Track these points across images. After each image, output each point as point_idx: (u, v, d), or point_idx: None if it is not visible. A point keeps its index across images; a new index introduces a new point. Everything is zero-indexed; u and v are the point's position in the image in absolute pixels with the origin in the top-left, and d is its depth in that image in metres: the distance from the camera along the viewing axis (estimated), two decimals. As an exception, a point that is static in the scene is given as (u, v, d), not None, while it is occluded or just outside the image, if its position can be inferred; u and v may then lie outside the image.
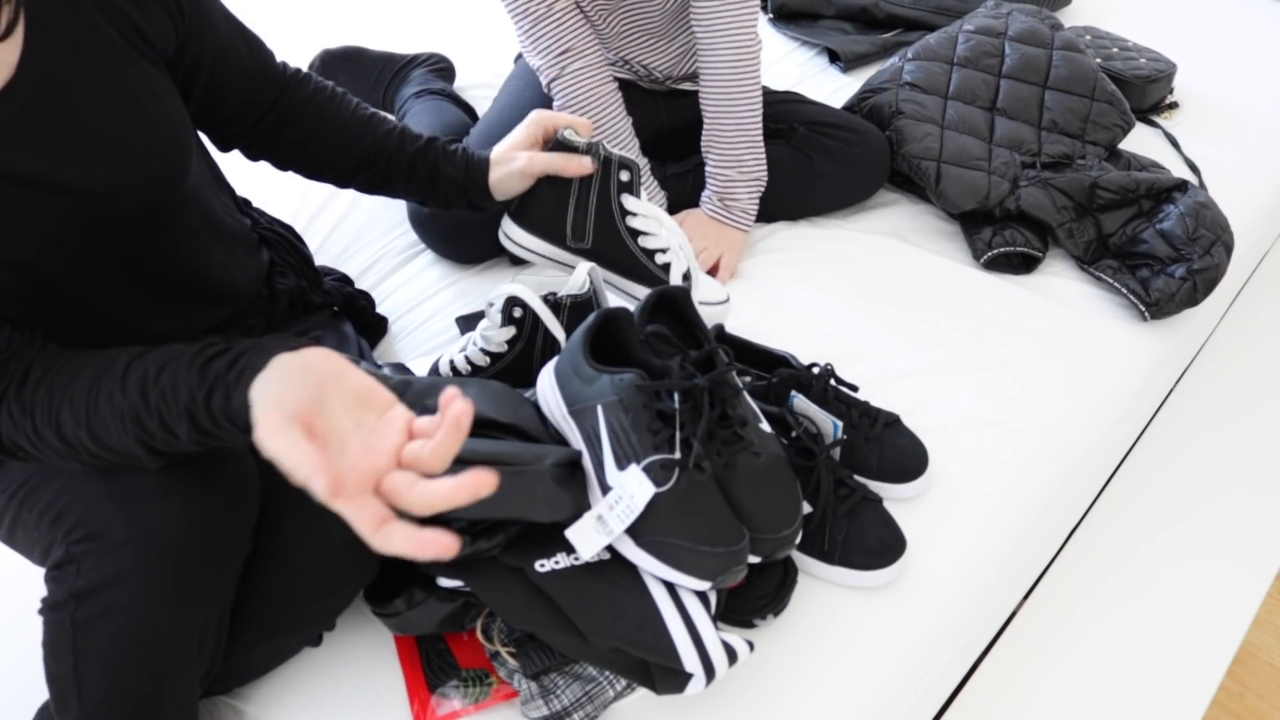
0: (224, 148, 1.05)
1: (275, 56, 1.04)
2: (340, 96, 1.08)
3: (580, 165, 1.11)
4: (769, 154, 1.46)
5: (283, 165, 1.08)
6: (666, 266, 1.17)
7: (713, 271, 1.42)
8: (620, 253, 1.16)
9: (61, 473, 0.81)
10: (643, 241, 1.17)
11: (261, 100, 1.01)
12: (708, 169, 1.45)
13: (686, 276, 1.20)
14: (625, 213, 1.16)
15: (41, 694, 0.91)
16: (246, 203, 1.13)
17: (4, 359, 0.75)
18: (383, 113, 1.11)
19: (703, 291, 1.24)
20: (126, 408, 0.71)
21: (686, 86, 1.59)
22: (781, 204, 1.51)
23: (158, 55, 0.85)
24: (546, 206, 1.14)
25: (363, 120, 1.08)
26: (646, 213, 1.17)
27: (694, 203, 1.48)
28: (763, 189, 1.46)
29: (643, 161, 1.45)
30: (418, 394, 1.00)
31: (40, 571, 0.81)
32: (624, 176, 1.15)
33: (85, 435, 0.72)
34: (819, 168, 1.51)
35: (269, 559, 0.84)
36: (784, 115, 1.54)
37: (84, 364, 0.74)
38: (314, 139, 1.06)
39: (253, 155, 1.07)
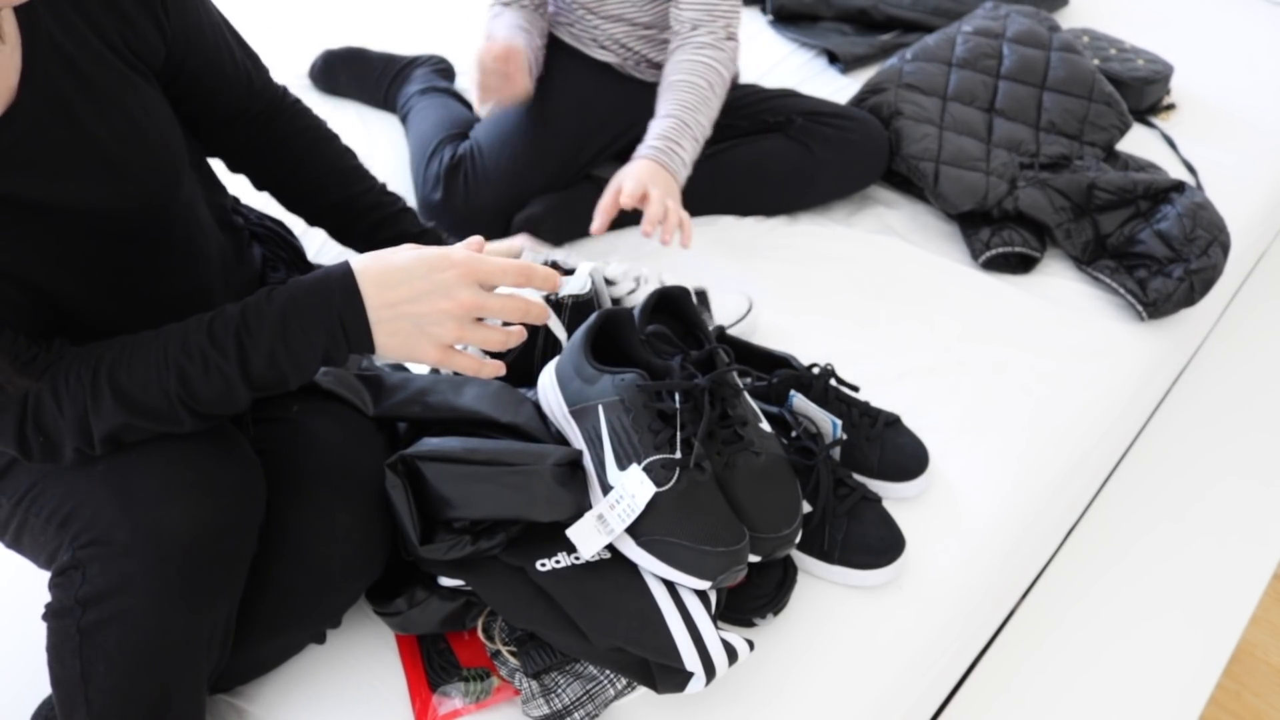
0: (209, 154, 1.04)
1: (270, 72, 1.03)
2: (332, 139, 1.08)
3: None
4: (768, 147, 1.45)
5: (260, 186, 1.09)
6: None
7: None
8: None
9: (66, 477, 0.81)
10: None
11: (249, 109, 1.00)
12: (658, 116, 1.36)
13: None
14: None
15: (39, 694, 0.91)
16: (236, 200, 1.13)
17: (31, 356, 0.76)
18: (365, 169, 1.11)
19: (727, 311, 1.21)
20: (172, 334, 0.78)
21: None
22: (783, 196, 1.51)
23: (147, 68, 0.85)
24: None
25: (346, 170, 1.08)
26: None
27: (696, 195, 1.46)
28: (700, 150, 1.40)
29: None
30: (417, 392, 1.01)
31: (41, 575, 0.81)
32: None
33: (123, 371, 0.76)
34: (818, 157, 1.51)
35: (276, 556, 0.84)
36: (781, 108, 1.54)
37: (129, 336, 0.79)
38: (298, 173, 1.06)
39: (234, 167, 1.07)
